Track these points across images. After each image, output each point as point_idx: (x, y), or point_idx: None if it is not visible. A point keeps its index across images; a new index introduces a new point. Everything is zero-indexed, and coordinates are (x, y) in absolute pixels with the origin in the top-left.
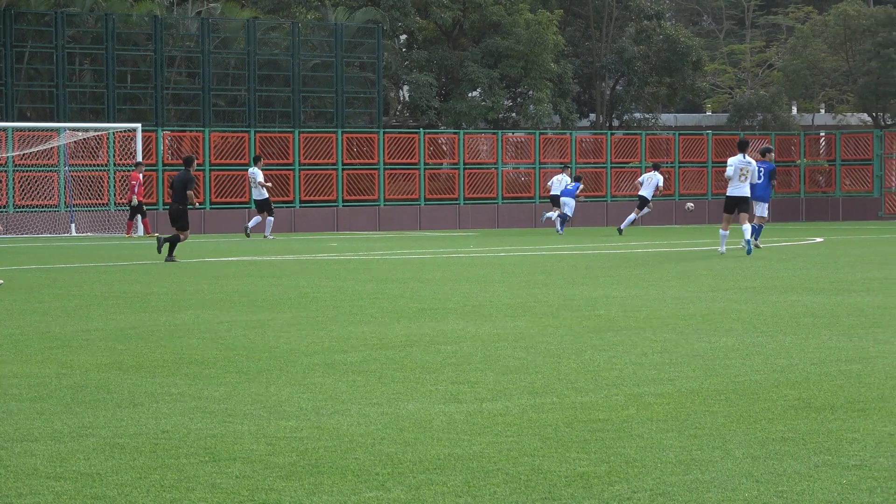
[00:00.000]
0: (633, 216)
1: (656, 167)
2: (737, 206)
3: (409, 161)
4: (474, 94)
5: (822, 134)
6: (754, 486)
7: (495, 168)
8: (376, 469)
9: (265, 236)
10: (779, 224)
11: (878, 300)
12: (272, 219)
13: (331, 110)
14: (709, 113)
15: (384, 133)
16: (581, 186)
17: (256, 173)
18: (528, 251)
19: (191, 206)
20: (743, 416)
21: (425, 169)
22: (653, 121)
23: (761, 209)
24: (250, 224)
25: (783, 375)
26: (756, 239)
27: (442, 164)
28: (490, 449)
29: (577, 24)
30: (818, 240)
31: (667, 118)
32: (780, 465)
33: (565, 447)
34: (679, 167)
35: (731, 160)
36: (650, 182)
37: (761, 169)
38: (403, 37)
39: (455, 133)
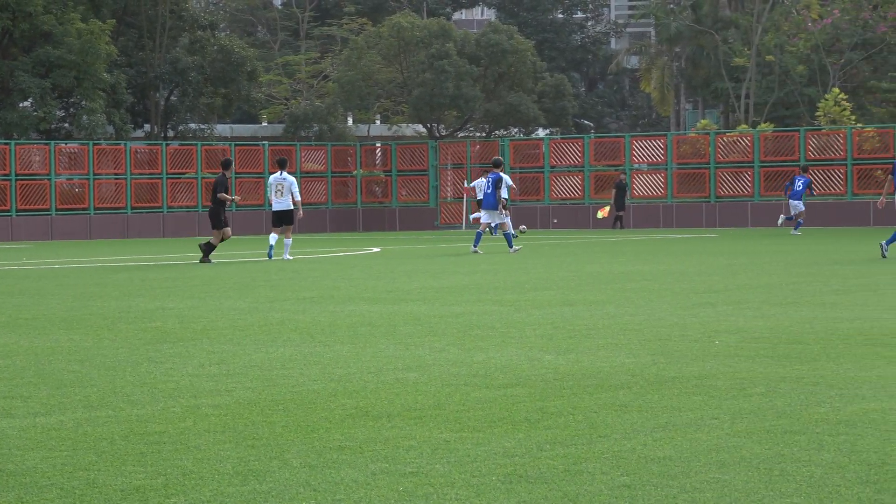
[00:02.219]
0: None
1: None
2: (282, 220)
3: None
4: (25, 104)
5: (378, 145)
6: (312, 494)
7: (48, 179)
8: None
9: None
10: (336, 234)
11: (433, 309)
12: None
13: None
14: (265, 123)
15: None
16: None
17: None
18: (82, 262)
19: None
20: (300, 426)
21: None
22: (208, 131)
23: (489, 216)
24: None
25: (340, 384)
26: (475, 246)
27: None
28: (44, 464)
29: (131, 33)
30: (375, 249)
31: (222, 129)
32: (338, 473)
33: (121, 460)
34: (236, 178)
35: (273, 178)
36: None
37: (490, 179)
38: None
39: (6, 144)
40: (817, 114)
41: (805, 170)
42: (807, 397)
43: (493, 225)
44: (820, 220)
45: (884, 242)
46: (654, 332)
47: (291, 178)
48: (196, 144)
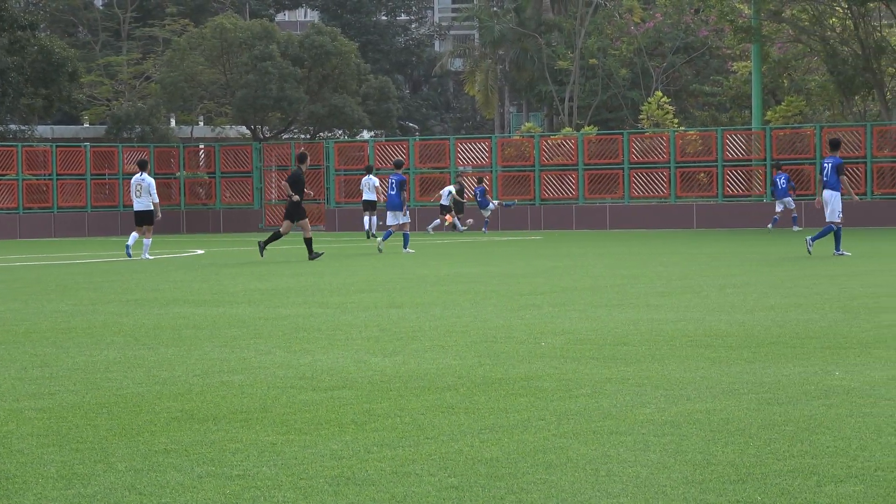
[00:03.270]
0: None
1: None
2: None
3: None
4: None
5: (202, 146)
6: (138, 498)
7: None
8: None
9: None
10: (159, 236)
11: (259, 311)
12: None
13: None
14: (87, 125)
15: None
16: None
17: None
18: None
19: (311, 199)
20: (125, 429)
21: None
22: (29, 133)
23: (393, 217)
24: None
25: (165, 387)
26: (405, 246)
27: None
28: None
29: None
30: (199, 251)
31: (43, 130)
32: (163, 476)
33: None
34: (57, 179)
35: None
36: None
37: (393, 180)
38: None
39: None
40: (640, 117)
41: (779, 167)
42: (632, 398)
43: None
44: (643, 222)
45: (835, 251)
46: (480, 333)
47: (150, 180)
48: (17, 146)
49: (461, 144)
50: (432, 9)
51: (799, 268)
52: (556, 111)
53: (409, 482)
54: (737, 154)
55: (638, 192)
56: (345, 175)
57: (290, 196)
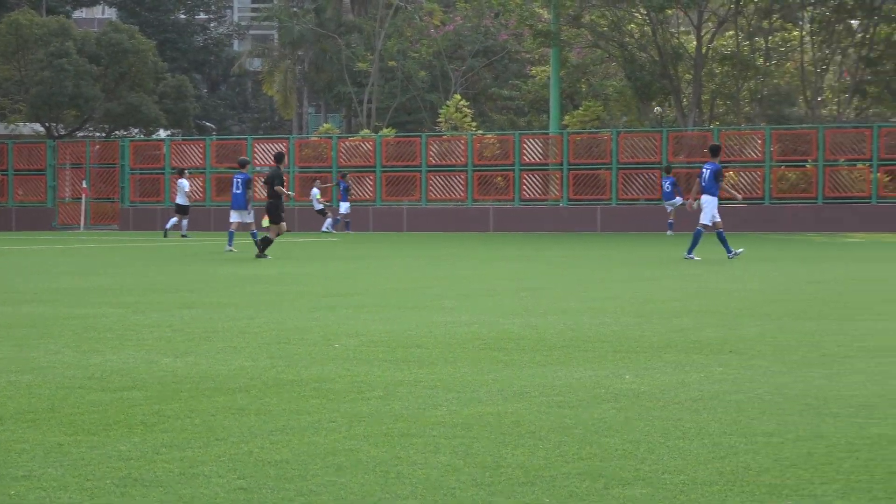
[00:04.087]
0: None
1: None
2: None
3: None
4: None
5: None
6: None
7: None
8: None
9: None
10: None
11: (50, 310)
12: None
13: None
14: None
15: None
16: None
17: None
18: None
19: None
20: None
21: None
22: None
23: (238, 216)
24: None
25: None
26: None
27: None
28: None
29: None
30: None
31: None
32: None
33: None
34: None
35: None
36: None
37: (239, 180)
38: None
39: None
40: (439, 119)
41: (668, 170)
42: (424, 400)
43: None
44: (440, 224)
45: (686, 253)
46: (273, 335)
47: None
48: None
49: (259, 145)
50: (231, 8)
51: (592, 272)
52: (354, 113)
53: (197, 483)
54: (534, 158)
55: (435, 195)
56: (140, 174)
57: (278, 196)
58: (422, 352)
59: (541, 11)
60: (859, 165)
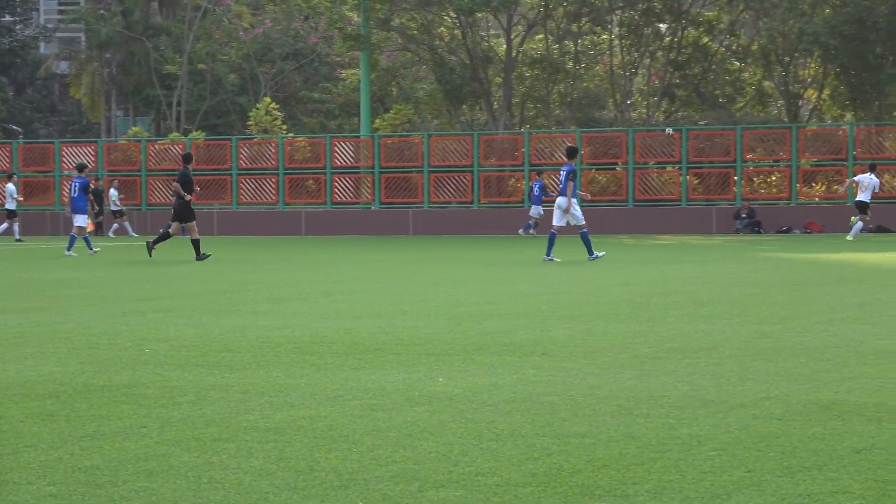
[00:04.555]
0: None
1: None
2: None
3: None
4: None
5: None
6: None
7: None
8: None
9: None
10: None
11: None
12: None
13: None
14: None
15: None
16: None
17: None
18: None
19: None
20: None
21: None
22: None
23: (78, 220)
24: None
25: None
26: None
27: None
28: None
29: None
30: None
31: None
32: None
33: None
34: None
35: None
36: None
37: (76, 184)
38: None
39: None
40: (249, 123)
41: (539, 174)
42: (236, 405)
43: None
44: (251, 228)
45: (545, 256)
46: (83, 340)
47: None
48: None
49: (67, 148)
50: (38, 10)
51: (405, 275)
52: (163, 116)
53: (6, 491)
54: (346, 161)
55: (246, 199)
56: None
57: (182, 196)
58: (233, 356)
59: (350, 14)
60: (669, 168)
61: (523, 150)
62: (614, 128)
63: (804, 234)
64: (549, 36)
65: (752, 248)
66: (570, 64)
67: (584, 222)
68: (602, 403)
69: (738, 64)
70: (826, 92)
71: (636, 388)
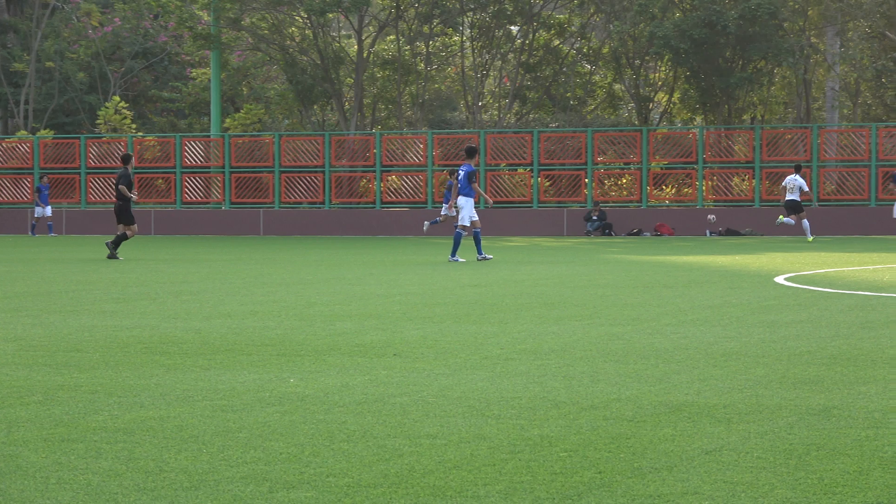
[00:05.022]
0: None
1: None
2: None
3: None
4: None
5: None
6: None
7: None
8: None
9: None
10: None
11: None
12: None
13: None
14: None
15: None
16: None
17: None
18: None
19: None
20: None
21: None
22: None
23: None
24: None
25: None
26: None
27: None
28: None
29: None
30: None
31: None
32: None
33: None
34: None
35: None
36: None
37: None
38: None
39: None
40: (98, 121)
41: (452, 174)
42: (85, 405)
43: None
44: (100, 227)
45: (450, 256)
46: None
47: None
48: None
49: None
50: None
51: (253, 275)
52: (11, 114)
53: None
54: (196, 161)
55: (95, 198)
56: None
57: (127, 198)
58: (82, 356)
59: (201, 14)
60: (520, 170)
61: (375, 150)
62: (466, 129)
63: (654, 236)
64: (401, 37)
65: (603, 250)
66: (422, 65)
67: (466, 224)
68: (453, 404)
69: (588, 67)
70: (676, 95)
71: (487, 389)
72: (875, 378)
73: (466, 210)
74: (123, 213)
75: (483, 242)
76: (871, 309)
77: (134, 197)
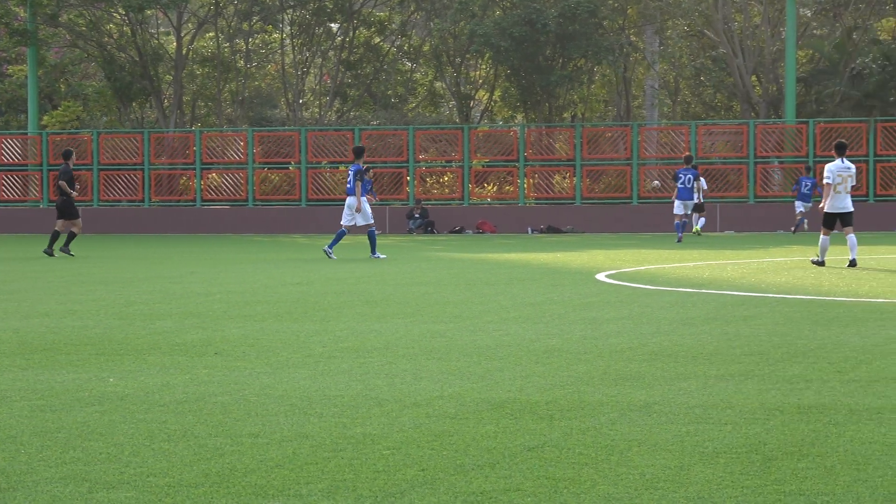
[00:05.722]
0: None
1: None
2: None
3: None
4: None
5: None
6: None
7: None
8: None
9: None
10: None
11: None
12: None
13: None
14: None
15: None
16: None
17: None
18: None
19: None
20: None
21: None
22: None
23: None
24: None
25: None
26: None
27: None
28: None
29: None
30: None
31: None
32: None
33: None
34: None
35: None
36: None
37: None
38: None
39: None
40: None
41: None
42: None
43: None
44: None
45: (326, 247)
46: None
47: None
48: None
49: None
50: None
51: (72, 273)
52: None
53: None
54: (13, 159)
55: None
56: None
57: (68, 194)
58: None
59: (17, 10)
60: (341, 168)
61: (195, 148)
62: (287, 127)
63: (476, 234)
64: (220, 34)
65: (426, 247)
66: (242, 62)
67: (372, 221)
68: (275, 403)
69: (409, 64)
70: (497, 93)
71: (310, 387)
72: (695, 374)
73: (365, 206)
74: (67, 209)
75: (302, 240)
76: (691, 305)
77: (75, 194)
